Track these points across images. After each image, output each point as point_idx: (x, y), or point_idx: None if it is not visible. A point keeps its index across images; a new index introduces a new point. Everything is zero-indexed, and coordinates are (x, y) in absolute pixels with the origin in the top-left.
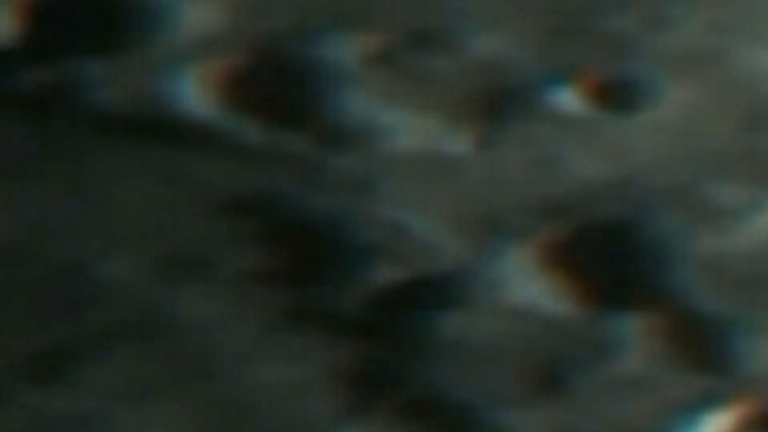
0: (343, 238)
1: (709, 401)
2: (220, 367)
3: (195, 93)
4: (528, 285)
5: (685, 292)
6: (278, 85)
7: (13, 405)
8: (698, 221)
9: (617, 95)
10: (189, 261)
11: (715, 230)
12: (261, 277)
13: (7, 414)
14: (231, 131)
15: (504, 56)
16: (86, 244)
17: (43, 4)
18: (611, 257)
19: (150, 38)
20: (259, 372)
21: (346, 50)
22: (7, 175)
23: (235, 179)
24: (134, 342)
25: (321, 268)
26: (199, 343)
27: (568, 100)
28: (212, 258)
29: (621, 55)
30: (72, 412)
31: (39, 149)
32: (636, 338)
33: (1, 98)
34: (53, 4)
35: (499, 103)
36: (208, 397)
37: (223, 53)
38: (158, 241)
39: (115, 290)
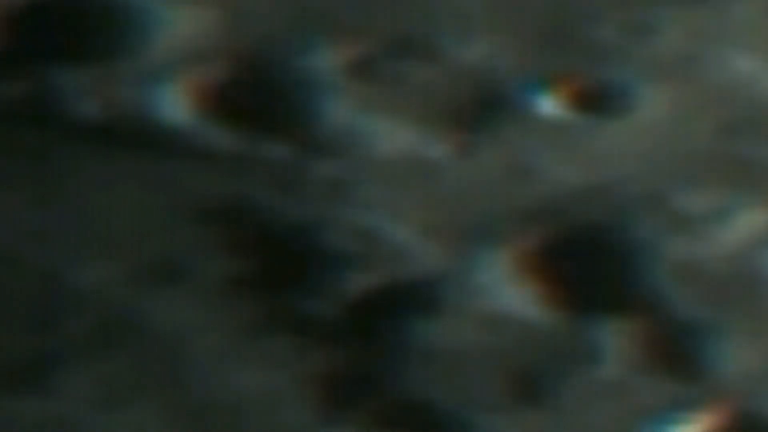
0: (322, 244)
1: (683, 407)
2: (195, 373)
3: (175, 101)
4: (505, 291)
5: (662, 299)
6: (259, 93)
7: None
8: (675, 227)
9: (597, 102)
10: (165, 268)
11: (691, 236)
12: (237, 284)
13: None
14: (210, 139)
15: (484, 63)
16: (62, 251)
17: (23, 14)
18: (589, 264)
19: (131, 48)
20: (234, 378)
21: (326, 58)
22: None
23: (213, 187)
24: (109, 348)
25: (299, 274)
26: (175, 349)
27: (548, 106)
28: (188, 265)
29: (601, 62)
30: (49, 417)
31: (18, 158)
32: (612, 345)
33: None
34: (33, 13)
35: (479, 110)
36: (184, 403)
37: (204, 62)
38: (137, 248)
39: (91, 297)
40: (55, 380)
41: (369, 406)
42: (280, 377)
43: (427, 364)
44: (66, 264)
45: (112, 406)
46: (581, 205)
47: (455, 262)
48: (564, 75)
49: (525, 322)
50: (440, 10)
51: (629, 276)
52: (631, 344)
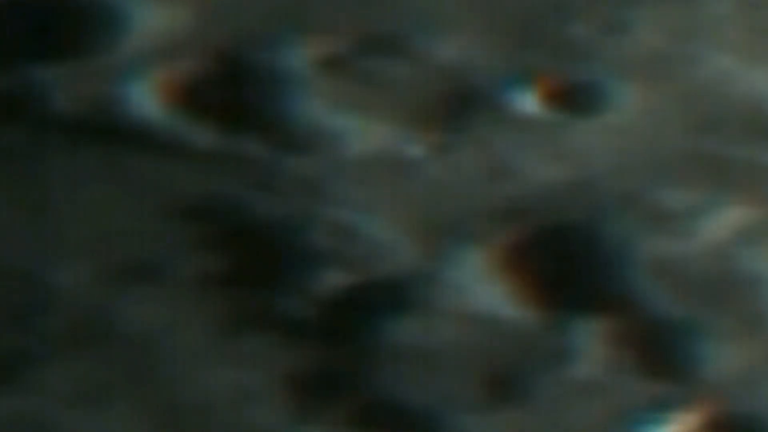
0: (296, 241)
1: (663, 406)
2: (171, 371)
3: (150, 97)
4: (484, 289)
5: (641, 296)
6: (234, 89)
7: None
8: (655, 225)
9: (575, 99)
10: (141, 266)
11: (670, 234)
12: (213, 281)
13: None
14: (185, 135)
15: (461, 60)
16: (35, 249)
17: None
18: (565, 262)
19: (106, 43)
20: (211, 376)
21: (301, 55)
22: None
23: (189, 183)
24: (86, 346)
25: (274, 272)
26: (151, 347)
27: (526, 104)
28: (164, 262)
29: (579, 60)
30: (25, 415)
31: None
32: (592, 344)
33: None
34: (5, 10)
35: (457, 107)
36: (160, 401)
37: (178, 58)
38: (111, 246)
39: (68, 295)
40: (29, 378)
41: (343, 405)
42: (255, 375)
43: (402, 363)
44: (40, 262)
45: (86, 404)
46: (558, 203)
47: (430, 260)
48: (539, 73)
49: (501, 320)
50: (415, 7)
51: (606, 274)
52: (608, 343)
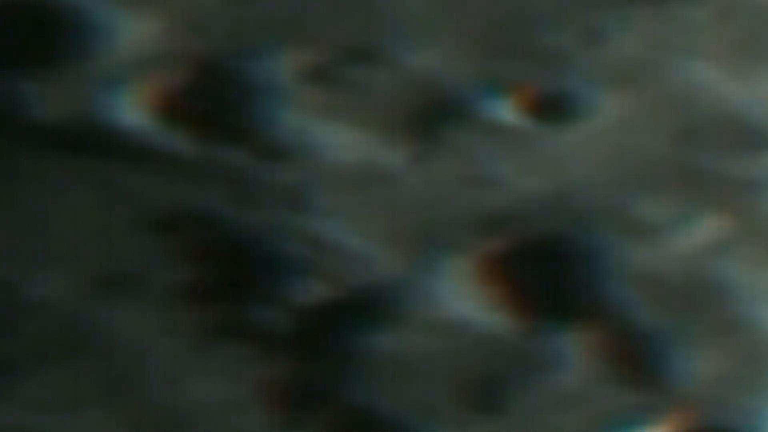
0: (276, 253)
1: (643, 415)
2: (151, 382)
3: (131, 109)
4: (463, 300)
5: (620, 306)
6: (214, 100)
7: None
8: (633, 235)
9: (552, 109)
10: (121, 277)
11: (649, 244)
12: (193, 293)
13: None
14: (166, 147)
15: (439, 70)
16: (19, 260)
17: None
18: (547, 272)
19: (88, 54)
20: (190, 387)
21: (281, 66)
22: None
23: (169, 195)
24: (67, 358)
25: (253, 283)
26: (131, 358)
27: (504, 113)
28: (144, 274)
29: (556, 70)
30: (5, 426)
31: None
32: (571, 353)
33: None
34: None
35: (435, 117)
36: (140, 413)
37: (160, 69)
38: (91, 258)
39: (48, 306)
40: (13, 389)
41: (322, 415)
42: (235, 386)
43: (382, 373)
44: (19, 272)
45: (69, 416)
46: (538, 213)
47: (412, 270)
48: (519, 82)
49: (483, 330)
50: (396, 17)
51: (588, 283)
52: (591, 352)
